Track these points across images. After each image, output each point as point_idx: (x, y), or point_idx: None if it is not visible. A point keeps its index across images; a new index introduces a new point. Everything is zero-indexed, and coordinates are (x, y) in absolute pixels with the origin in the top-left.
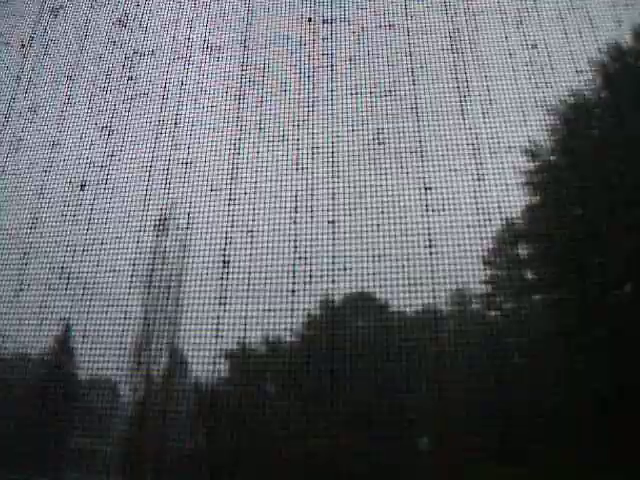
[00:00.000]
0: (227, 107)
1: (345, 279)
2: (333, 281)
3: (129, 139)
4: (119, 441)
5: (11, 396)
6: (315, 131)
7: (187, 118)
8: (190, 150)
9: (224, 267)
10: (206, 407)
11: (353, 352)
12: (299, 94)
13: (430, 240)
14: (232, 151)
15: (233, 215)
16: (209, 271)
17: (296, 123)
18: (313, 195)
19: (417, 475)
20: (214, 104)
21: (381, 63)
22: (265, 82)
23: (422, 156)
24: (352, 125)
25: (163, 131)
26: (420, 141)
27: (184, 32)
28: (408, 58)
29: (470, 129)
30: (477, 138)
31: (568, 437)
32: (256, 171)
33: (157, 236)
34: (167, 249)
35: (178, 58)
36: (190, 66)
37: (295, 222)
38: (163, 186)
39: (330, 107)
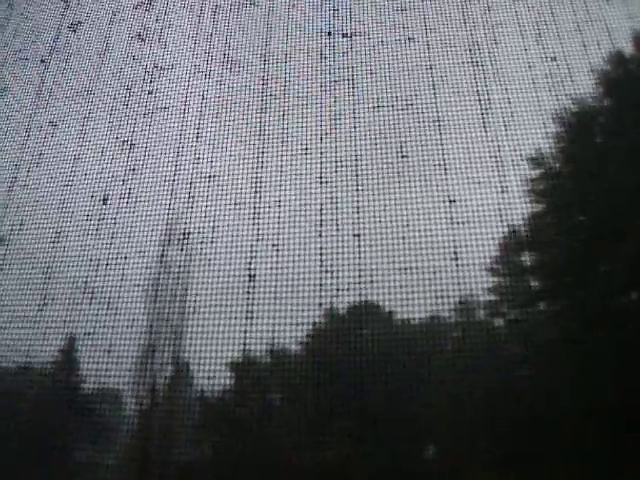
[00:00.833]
0: (249, 121)
1: (372, 292)
2: (360, 294)
3: (150, 153)
4: (124, 453)
5: (31, 411)
6: (338, 144)
7: (208, 132)
8: (212, 164)
9: (250, 281)
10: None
11: (377, 364)
12: (320, 107)
13: (455, 252)
14: (255, 164)
15: (258, 229)
16: (235, 285)
17: (319, 136)
18: (338, 208)
19: None
20: (235, 118)
21: (401, 76)
22: (286, 96)
23: (445, 168)
24: (375, 138)
25: (184, 145)
26: (443, 153)
27: (204, 46)
28: (429, 71)
29: (492, 141)
30: (499, 150)
31: (572, 446)
32: (280, 184)
33: (181, 249)
34: (186, 263)
35: (198, 72)
36: (210, 80)
37: (321, 235)
38: (186, 200)
39: (352, 120)
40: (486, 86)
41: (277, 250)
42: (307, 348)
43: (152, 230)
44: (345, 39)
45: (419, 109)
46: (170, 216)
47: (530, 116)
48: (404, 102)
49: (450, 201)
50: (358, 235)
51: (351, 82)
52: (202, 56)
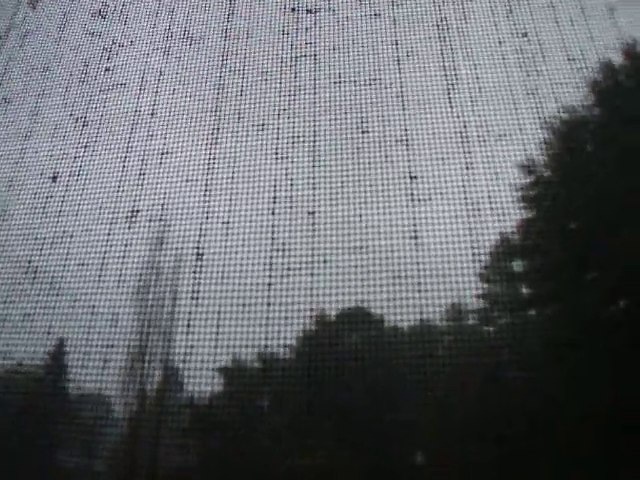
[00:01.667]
0: (206, 97)
1: (325, 272)
2: (312, 274)
3: (103, 130)
4: (111, 458)
5: None
6: (296, 120)
7: (164, 109)
8: (166, 141)
9: (197, 260)
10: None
11: (332, 350)
12: (280, 83)
13: (415, 231)
14: (209, 141)
15: (208, 206)
16: (182, 264)
17: (277, 112)
18: (293, 185)
19: None
20: (192, 94)
21: (366, 52)
22: (246, 72)
23: (407, 145)
24: (335, 114)
25: (139, 122)
26: (406, 129)
27: (165, 22)
28: (394, 47)
29: (457, 117)
30: (465, 126)
31: (565, 450)
32: (234, 161)
33: (128, 228)
34: (132, 242)
35: (157, 49)
36: (169, 57)
37: (273, 213)
38: (137, 177)
39: (312, 96)
40: (453, 62)
41: (227, 228)
42: (252, 331)
43: (100, 208)
44: (309, 15)
45: (383, 85)
46: (119, 194)
47: (499, 92)
48: (367, 78)
49: (411, 177)
50: (313, 213)
51: (313, 58)
52: (162, 33)
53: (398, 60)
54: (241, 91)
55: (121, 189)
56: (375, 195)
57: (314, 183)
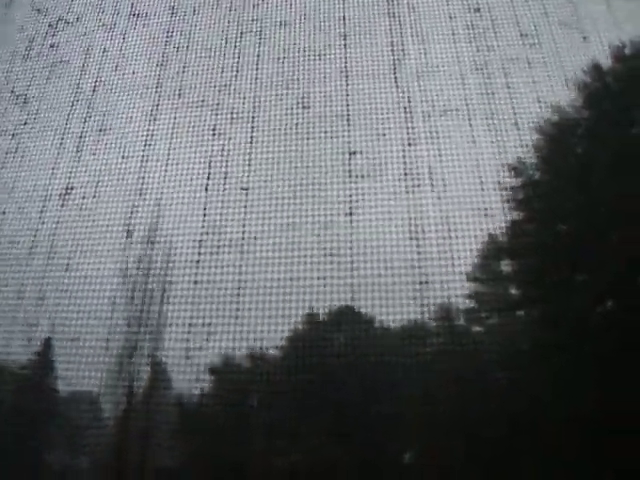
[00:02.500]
0: (147, 74)
1: (255, 249)
2: (242, 252)
3: (43, 107)
4: (99, 458)
5: None
6: (236, 96)
7: (105, 85)
8: (105, 117)
9: (127, 237)
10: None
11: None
12: (223, 59)
13: (351, 208)
14: (148, 118)
15: (142, 183)
16: (111, 241)
17: (217, 89)
18: (228, 161)
19: None
20: (135, 71)
21: (312, 28)
22: (190, 48)
23: (348, 120)
24: (276, 89)
25: (79, 99)
26: (347, 105)
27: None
28: (341, 22)
29: (402, 92)
30: (410, 101)
31: (551, 453)
32: (170, 137)
33: (61, 205)
34: (64, 219)
35: (103, 25)
36: (114, 33)
37: (207, 189)
38: (73, 155)
39: (254, 72)
40: (402, 37)
41: (159, 205)
42: (177, 309)
43: (34, 186)
44: None
45: (327, 60)
46: (54, 171)
47: (447, 67)
48: (312, 53)
49: (350, 153)
50: (246, 189)
51: (258, 34)
52: (109, 9)
53: (344, 36)
54: (184, 68)
55: (56, 166)
56: (312, 171)
57: (250, 160)
